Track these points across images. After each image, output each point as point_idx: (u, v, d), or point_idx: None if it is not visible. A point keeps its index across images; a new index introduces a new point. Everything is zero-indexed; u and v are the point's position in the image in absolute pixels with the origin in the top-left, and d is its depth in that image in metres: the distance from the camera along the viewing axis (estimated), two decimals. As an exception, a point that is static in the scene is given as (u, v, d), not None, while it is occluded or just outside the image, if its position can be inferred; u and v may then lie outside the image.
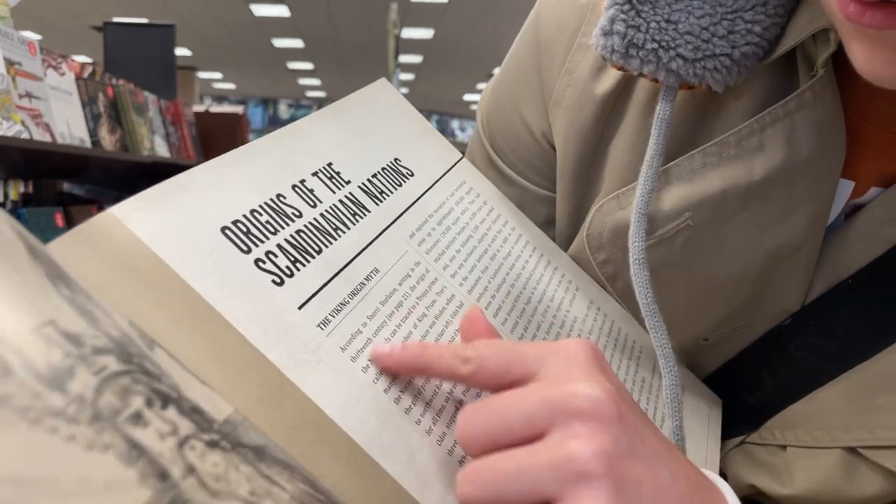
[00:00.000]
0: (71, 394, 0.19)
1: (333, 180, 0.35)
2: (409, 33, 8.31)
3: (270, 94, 14.13)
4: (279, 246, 0.30)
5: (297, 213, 0.32)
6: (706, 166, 0.39)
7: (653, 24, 0.36)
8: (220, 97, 13.92)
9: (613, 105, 0.43)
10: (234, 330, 0.26)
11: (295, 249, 0.30)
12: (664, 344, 0.39)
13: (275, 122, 13.98)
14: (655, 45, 0.36)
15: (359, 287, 0.32)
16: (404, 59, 9.73)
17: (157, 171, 2.35)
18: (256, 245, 0.29)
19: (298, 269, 0.30)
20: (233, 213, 0.29)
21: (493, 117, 0.51)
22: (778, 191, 0.38)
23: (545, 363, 0.27)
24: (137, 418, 0.20)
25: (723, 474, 0.45)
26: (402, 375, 0.30)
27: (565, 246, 0.48)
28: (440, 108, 14.60)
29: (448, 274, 0.37)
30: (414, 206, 0.38)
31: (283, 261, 0.29)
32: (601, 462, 0.23)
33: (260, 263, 0.28)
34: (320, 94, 14.00)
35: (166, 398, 0.21)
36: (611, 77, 0.43)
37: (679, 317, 0.42)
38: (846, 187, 0.39)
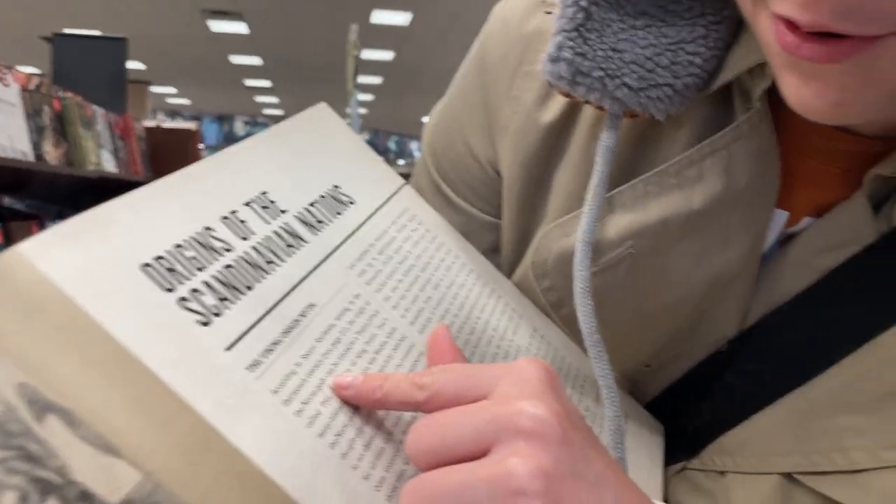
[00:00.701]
0: None
1: (268, 210, 0.34)
2: (369, 55, 8.33)
3: (226, 110, 13.95)
4: (206, 283, 0.28)
5: (227, 247, 0.30)
6: (648, 195, 0.39)
7: (599, 53, 0.37)
8: (174, 112, 13.67)
9: (558, 133, 0.43)
10: (155, 376, 0.24)
11: (223, 286, 0.29)
12: (607, 374, 0.39)
13: (230, 139, 13.79)
14: (602, 73, 0.37)
15: (293, 324, 0.30)
16: (364, 79, 9.75)
17: (102, 187, 2.28)
18: (181, 282, 0.27)
19: (227, 308, 0.28)
20: (155, 248, 0.27)
21: (439, 144, 0.51)
22: (716, 220, 0.39)
23: (499, 383, 0.28)
24: None
25: (666, 501, 0.45)
26: (361, 408, 0.30)
27: (510, 273, 0.47)
28: (399, 130, 14.65)
29: (390, 305, 0.36)
30: (354, 235, 0.37)
31: (209, 299, 0.28)
32: (539, 481, 0.24)
33: (184, 302, 0.27)
34: (278, 111, 13.89)
35: (47, 487, 0.19)
36: (556, 106, 0.43)
37: (622, 343, 0.42)
38: (781, 217, 0.40)
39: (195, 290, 0.28)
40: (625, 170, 0.41)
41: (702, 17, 0.38)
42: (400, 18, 6.82)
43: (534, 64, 0.43)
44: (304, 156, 0.38)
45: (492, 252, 0.49)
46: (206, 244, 0.30)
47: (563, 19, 0.37)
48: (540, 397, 0.27)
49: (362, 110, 12.82)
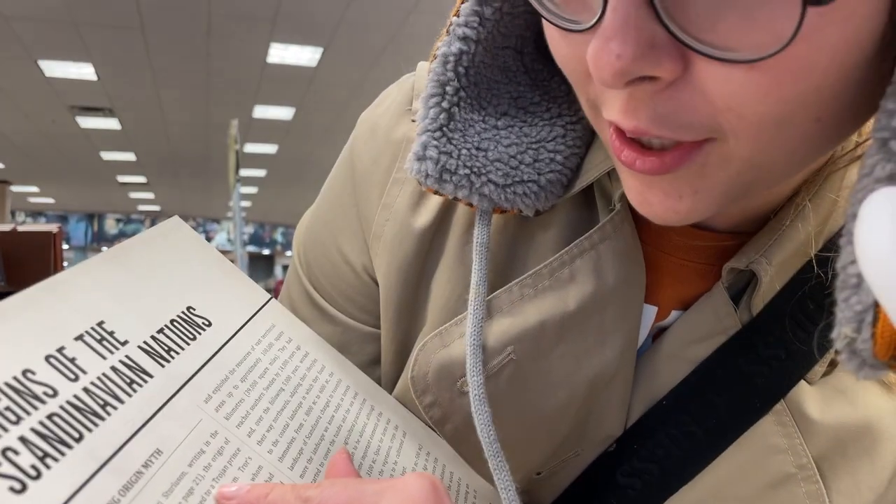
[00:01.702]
0: None
1: (104, 343, 0.30)
2: (252, 148, 8.27)
3: (97, 208, 13.22)
4: (22, 438, 0.24)
5: (51, 392, 0.26)
6: (524, 298, 0.39)
7: (464, 151, 0.37)
8: (37, 212, 12.78)
9: (432, 238, 0.43)
10: None
11: (45, 440, 0.24)
12: (508, 487, 0.37)
13: (100, 239, 13.01)
14: (468, 171, 0.37)
15: (134, 478, 0.26)
16: (247, 172, 9.63)
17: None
18: None
19: (49, 467, 0.24)
20: None
21: (311, 252, 0.49)
22: (591, 319, 0.39)
23: (381, 499, 0.28)
24: None
25: None
26: None
27: (391, 386, 0.45)
28: (286, 221, 14.47)
29: (254, 441, 0.32)
30: (211, 362, 0.34)
31: (26, 458, 0.24)
32: None
33: None
34: (154, 207, 13.32)
35: None
36: (429, 210, 0.42)
37: (511, 452, 0.41)
38: (650, 312, 0.41)
39: (8, 450, 0.23)
40: (500, 273, 0.41)
41: (559, 117, 0.40)
42: (283, 113, 6.87)
43: (404, 171, 0.43)
44: (151, 277, 0.35)
45: (373, 364, 0.47)
46: (23, 391, 0.25)
47: (426, 120, 0.37)
48: None
49: (246, 203, 12.60)
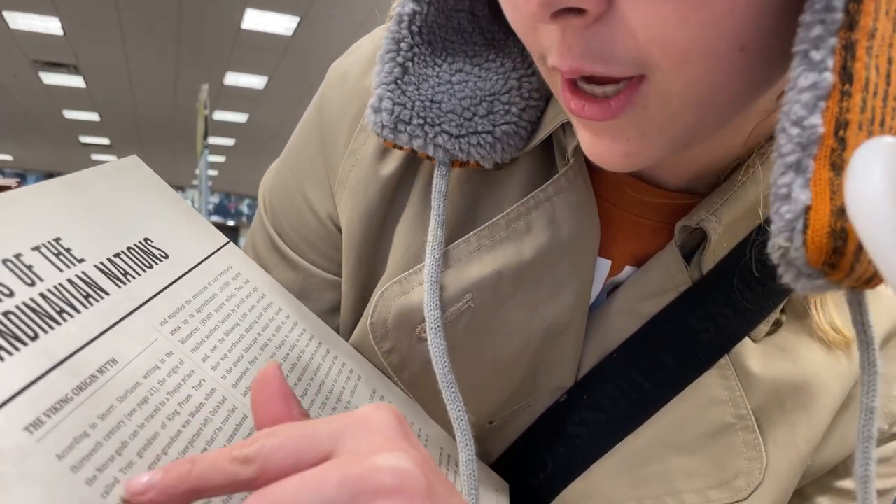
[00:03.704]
0: None
1: (61, 257, 0.30)
2: (221, 116, 8.12)
3: (57, 168, 12.83)
4: None
5: (7, 292, 0.26)
6: (481, 248, 0.40)
7: (417, 103, 0.39)
8: (-6, 168, 12.38)
9: (397, 187, 0.43)
10: None
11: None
12: (461, 417, 0.38)
13: (61, 199, 12.62)
14: (421, 121, 0.38)
15: (89, 380, 0.26)
16: (216, 140, 9.45)
17: None
18: None
19: (2, 359, 0.24)
20: None
21: (276, 198, 0.49)
22: (547, 270, 0.40)
23: (343, 438, 0.24)
24: None
25: None
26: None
27: (349, 333, 0.46)
28: (253, 192, 14.25)
29: (208, 366, 0.32)
30: (168, 290, 0.34)
31: None
32: None
33: None
34: (118, 171, 12.97)
35: None
36: (394, 160, 0.43)
37: (466, 400, 0.42)
38: (604, 266, 0.42)
39: None
40: (461, 225, 0.42)
41: (514, 71, 0.40)
42: (255, 81, 6.75)
43: None
44: (109, 205, 0.35)
45: (333, 313, 0.47)
46: None
47: (382, 74, 0.39)
48: (399, 447, 0.23)
49: (213, 172, 12.38)
